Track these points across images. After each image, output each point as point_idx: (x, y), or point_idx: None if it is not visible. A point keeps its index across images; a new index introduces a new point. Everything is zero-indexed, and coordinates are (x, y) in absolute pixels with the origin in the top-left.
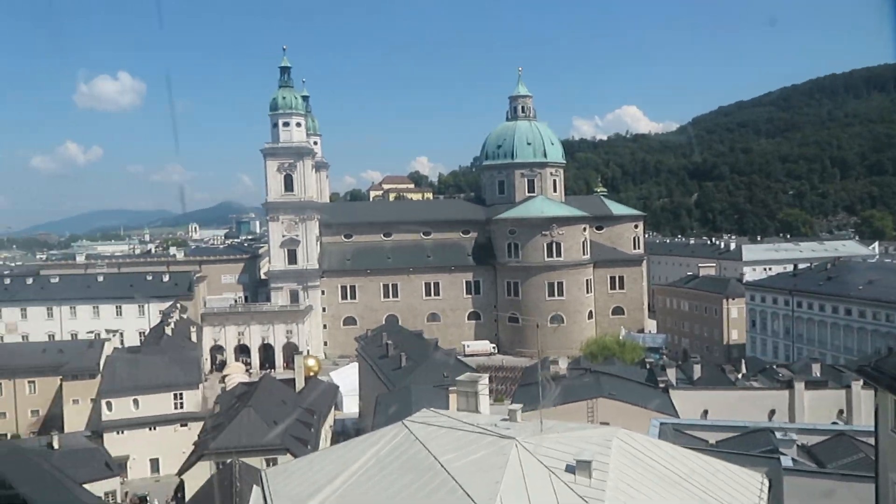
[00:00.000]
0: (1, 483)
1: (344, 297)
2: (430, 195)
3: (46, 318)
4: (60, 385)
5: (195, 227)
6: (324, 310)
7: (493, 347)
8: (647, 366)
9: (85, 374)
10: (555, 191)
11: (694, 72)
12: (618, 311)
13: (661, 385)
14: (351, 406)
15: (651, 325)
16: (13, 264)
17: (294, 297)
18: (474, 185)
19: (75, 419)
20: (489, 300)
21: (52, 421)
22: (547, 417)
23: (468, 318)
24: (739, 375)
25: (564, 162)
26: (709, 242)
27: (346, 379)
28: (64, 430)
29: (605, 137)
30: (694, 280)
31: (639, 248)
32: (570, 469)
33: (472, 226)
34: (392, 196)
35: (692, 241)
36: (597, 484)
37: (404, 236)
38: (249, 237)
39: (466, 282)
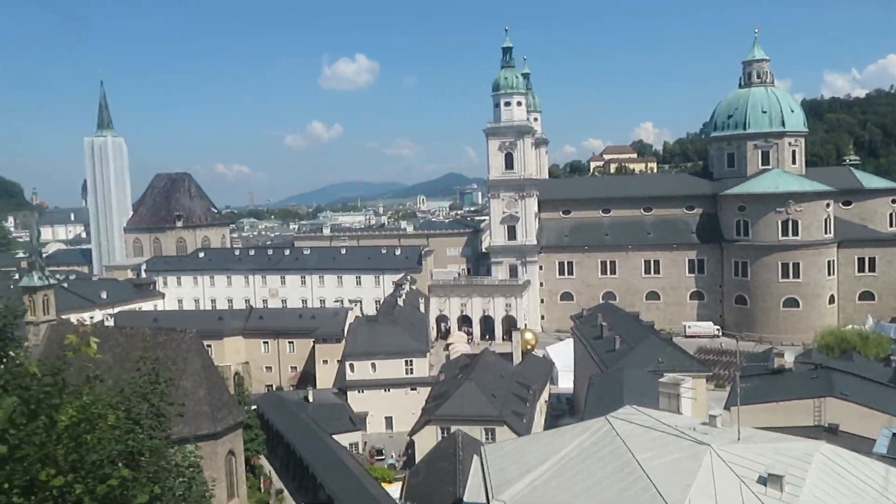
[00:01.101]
0: (269, 429)
1: (561, 272)
2: (653, 165)
3: (300, 285)
4: (313, 346)
5: (422, 199)
6: (541, 285)
7: (718, 329)
8: (894, 363)
9: (332, 338)
10: (793, 162)
11: None
12: (866, 296)
13: None
14: (565, 381)
15: None
16: (273, 234)
17: (513, 271)
18: (703, 154)
19: (325, 377)
20: (714, 280)
21: (307, 377)
22: (766, 413)
23: (690, 298)
24: None
25: (806, 130)
26: None
27: (562, 354)
28: (316, 386)
29: (863, 94)
30: None
31: None
32: (761, 481)
33: (696, 201)
34: (613, 167)
35: None
36: (788, 498)
37: (623, 212)
38: (472, 209)
39: (689, 260)
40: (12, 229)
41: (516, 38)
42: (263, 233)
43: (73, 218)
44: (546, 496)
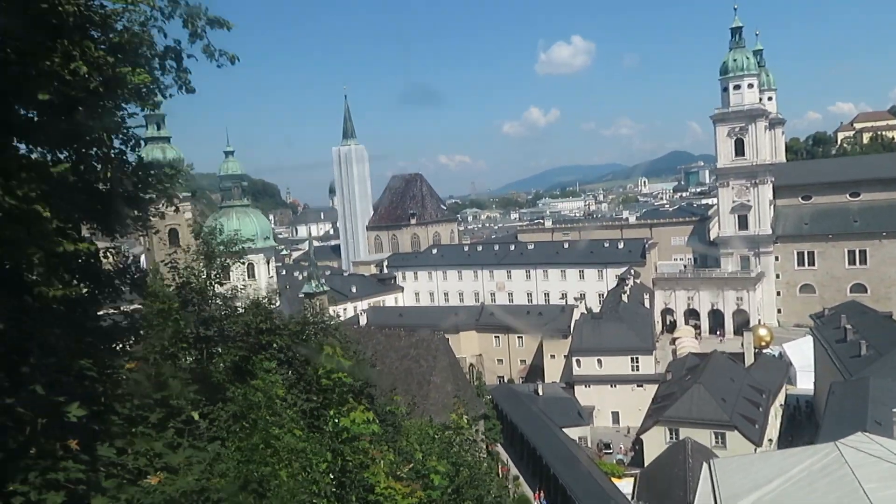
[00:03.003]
0: (504, 418)
1: (800, 263)
2: None
3: (525, 279)
4: (541, 342)
5: (644, 182)
6: (777, 276)
7: None
8: None
9: (559, 334)
10: None
11: None
12: None
13: None
14: (805, 382)
15: None
16: (496, 226)
17: (745, 262)
18: None
19: (552, 371)
20: None
21: (535, 370)
22: None
23: None
24: None
25: None
26: None
27: (801, 353)
28: (544, 380)
29: None
30: None
31: None
32: None
33: None
34: (867, 137)
35: None
36: None
37: (876, 196)
38: (698, 190)
39: None
40: (273, 226)
41: (749, 14)
42: (486, 224)
43: (322, 217)
44: None
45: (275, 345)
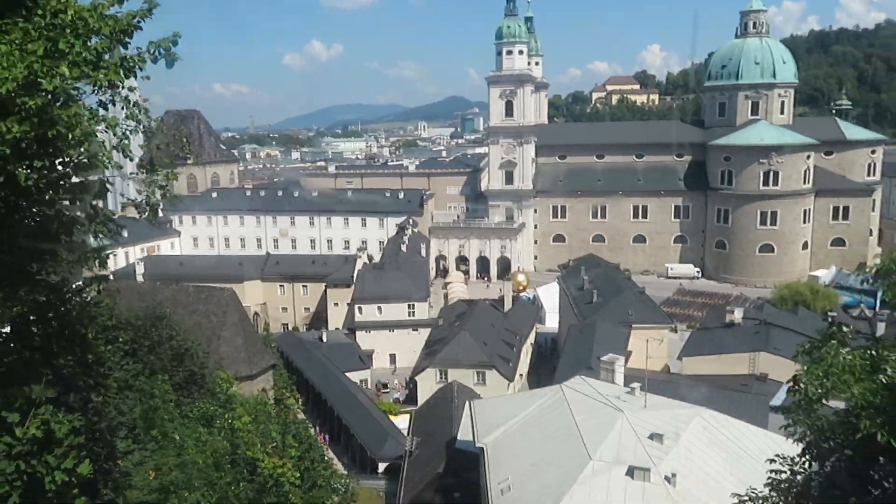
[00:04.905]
0: (290, 366)
1: (555, 216)
2: (655, 97)
3: (309, 226)
4: (325, 290)
5: (423, 126)
6: (535, 227)
7: (697, 272)
8: (830, 318)
9: (342, 283)
10: (782, 113)
11: None
12: (838, 242)
13: None
14: (552, 321)
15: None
16: (278, 167)
17: (509, 214)
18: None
19: (336, 318)
20: (697, 225)
21: (319, 317)
22: (711, 363)
23: (674, 242)
24: None
25: (796, 81)
26: None
27: (550, 296)
28: (328, 327)
29: (873, 26)
30: None
31: (874, 176)
32: (651, 436)
33: (686, 149)
34: (615, 98)
35: None
36: (665, 449)
37: (616, 158)
38: (472, 138)
39: (675, 206)
40: None
41: None
42: (268, 165)
43: None
44: (514, 442)
45: (121, 339)
